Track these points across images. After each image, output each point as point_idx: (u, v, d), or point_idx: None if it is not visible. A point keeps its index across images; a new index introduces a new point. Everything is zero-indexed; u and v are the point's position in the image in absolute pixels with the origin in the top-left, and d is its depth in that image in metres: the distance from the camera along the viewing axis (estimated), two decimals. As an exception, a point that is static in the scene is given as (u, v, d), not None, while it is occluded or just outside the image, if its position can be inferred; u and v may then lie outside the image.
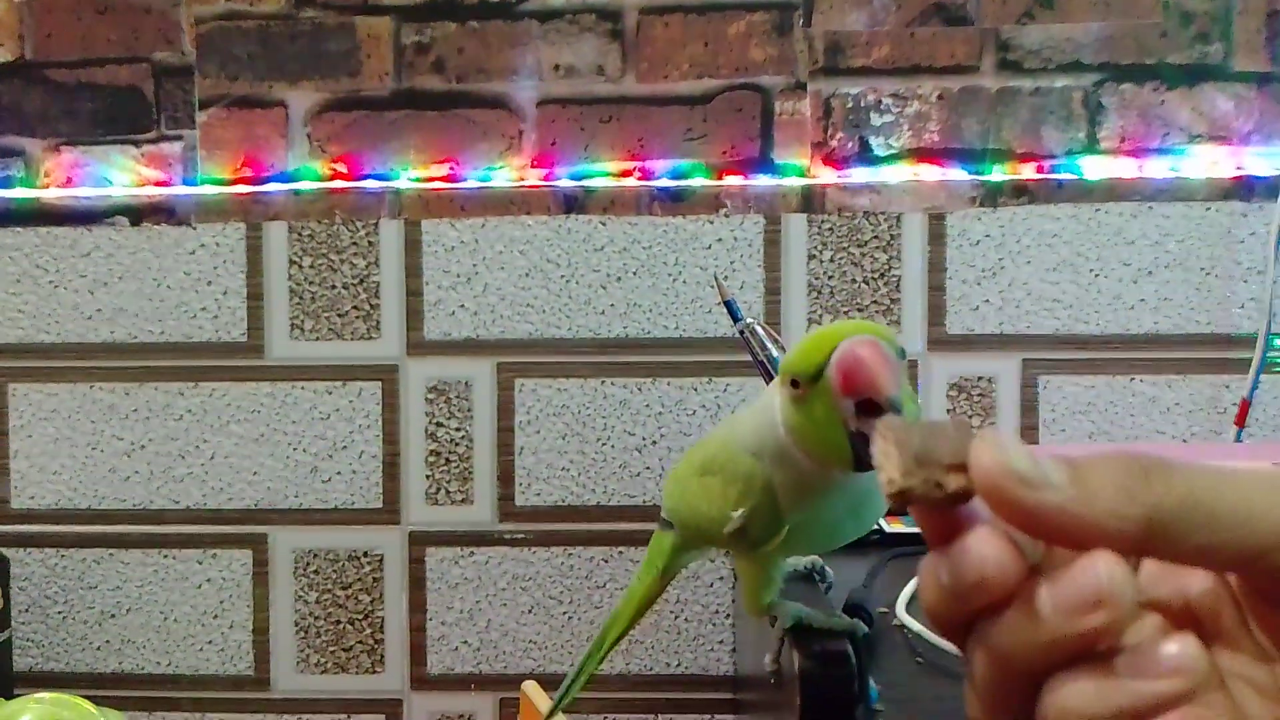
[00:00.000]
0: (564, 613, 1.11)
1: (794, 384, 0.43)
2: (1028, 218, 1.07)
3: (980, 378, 1.09)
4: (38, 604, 1.14)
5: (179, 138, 1.13)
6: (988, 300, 1.08)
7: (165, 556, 1.13)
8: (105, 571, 1.13)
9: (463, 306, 1.10)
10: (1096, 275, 1.07)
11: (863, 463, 0.43)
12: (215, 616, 1.13)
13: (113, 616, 1.13)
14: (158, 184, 1.13)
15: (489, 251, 1.10)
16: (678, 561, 0.61)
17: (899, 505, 0.27)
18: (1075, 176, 1.07)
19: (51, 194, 1.13)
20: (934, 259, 1.08)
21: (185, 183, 1.12)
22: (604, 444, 1.10)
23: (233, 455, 1.12)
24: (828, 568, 0.58)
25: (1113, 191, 1.07)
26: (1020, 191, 1.08)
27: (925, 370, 1.09)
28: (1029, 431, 1.08)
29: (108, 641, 1.13)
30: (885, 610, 0.60)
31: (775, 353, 0.91)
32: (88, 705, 0.94)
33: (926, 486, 0.26)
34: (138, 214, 1.12)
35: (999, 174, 1.08)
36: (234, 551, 1.13)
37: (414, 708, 1.12)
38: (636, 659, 1.10)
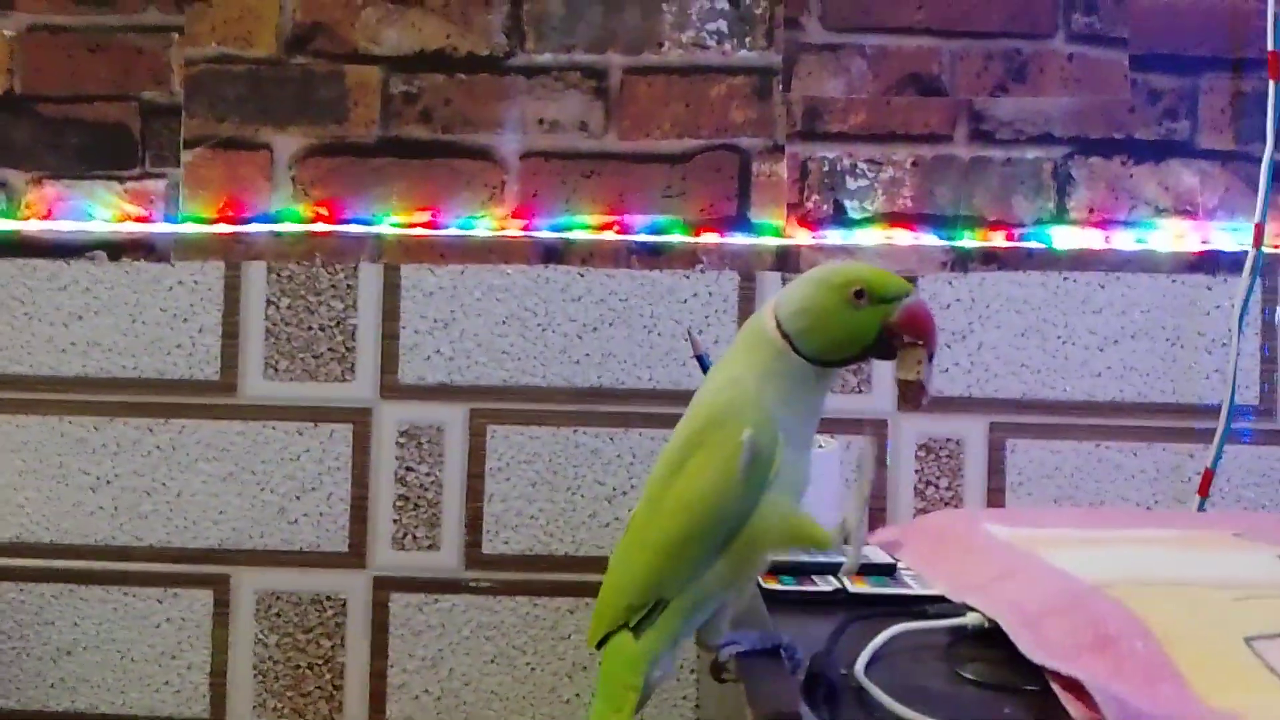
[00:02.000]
0: (527, 663, 1.10)
1: (859, 294, 0.54)
2: (997, 283, 1.10)
3: (949, 439, 1.10)
4: (-8, 639, 1.12)
5: (163, 175, 1.14)
6: (957, 363, 1.10)
7: (126, 594, 1.12)
8: (63, 607, 1.12)
9: (438, 351, 1.11)
10: (1064, 342, 1.09)
11: (882, 353, 0.57)
12: (173, 657, 1.11)
13: (68, 654, 1.12)
14: (139, 220, 1.13)
15: (467, 298, 1.11)
16: (657, 650, 0.56)
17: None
18: (1044, 245, 1.10)
19: (32, 226, 1.13)
20: (905, 321, 1.10)
21: (167, 220, 1.13)
22: (574, 493, 1.10)
23: (200, 493, 1.11)
24: (796, 648, 0.58)
25: (1080, 260, 1.09)
26: (990, 258, 1.10)
27: (895, 431, 1.10)
28: (996, 494, 1.09)
29: (62, 679, 1.12)
30: (845, 672, 0.60)
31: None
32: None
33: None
34: (118, 249, 1.13)
35: (970, 240, 1.10)
36: (195, 591, 1.11)
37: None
38: (599, 712, 1.09)
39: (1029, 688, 0.58)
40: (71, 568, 1.12)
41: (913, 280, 1.10)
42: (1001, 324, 1.10)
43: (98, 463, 1.12)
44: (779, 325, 0.57)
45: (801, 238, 1.11)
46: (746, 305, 1.10)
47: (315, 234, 1.12)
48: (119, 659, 1.11)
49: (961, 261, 1.10)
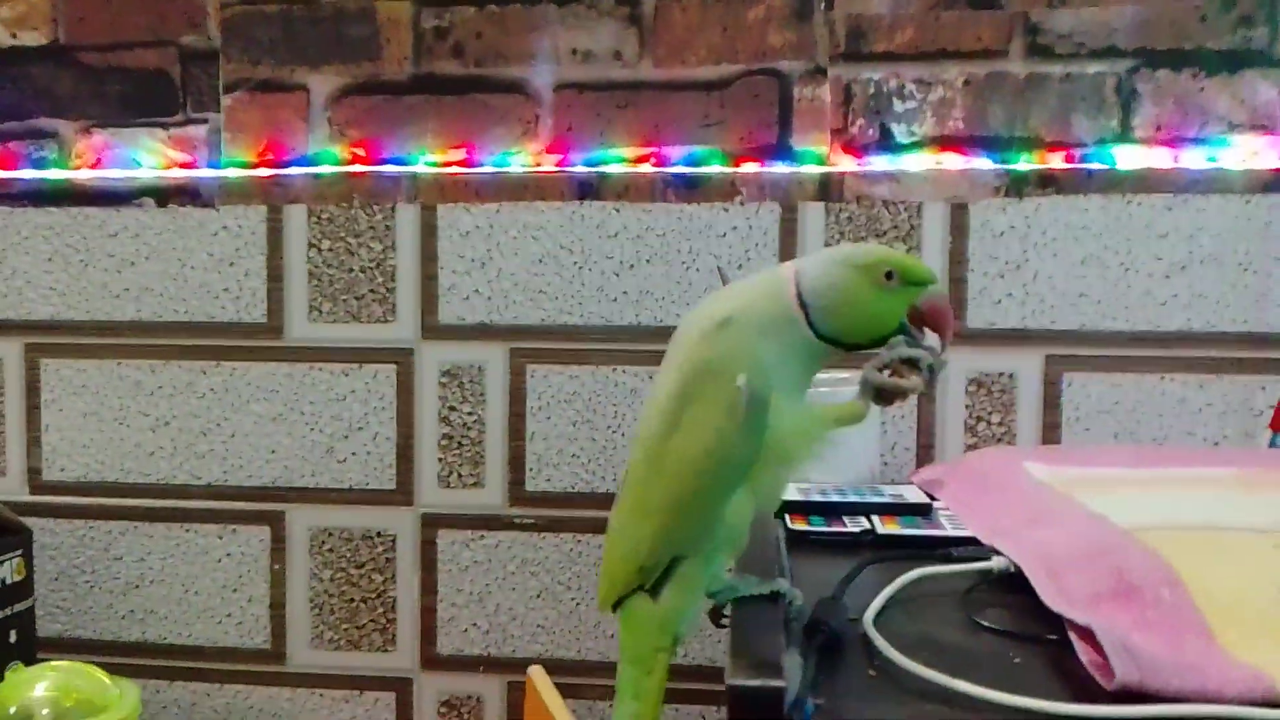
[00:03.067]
0: (572, 599, 1.11)
1: (889, 275, 0.53)
2: (1055, 209, 1.04)
3: (1001, 374, 1.06)
4: (65, 573, 1.18)
5: (204, 121, 1.15)
6: (1010, 294, 1.05)
7: (187, 531, 1.16)
8: (130, 544, 1.17)
9: (477, 292, 1.11)
10: (1126, 270, 1.03)
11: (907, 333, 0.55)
12: (234, 590, 1.16)
13: (136, 588, 1.17)
14: (183, 166, 1.15)
15: (503, 237, 1.10)
16: (683, 607, 0.55)
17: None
18: (1106, 166, 1.03)
19: (82, 175, 1.16)
20: (955, 250, 1.05)
21: (210, 165, 1.14)
22: (614, 431, 1.10)
23: (252, 434, 1.14)
24: (795, 591, 0.56)
25: (1145, 182, 1.03)
26: (1047, 182, 1.04)
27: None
28: (1051, 431, 1.05)
29: (131, 611, 1.17)
30: (855, 619, 0.59)
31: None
32: (102, 675, 0.98)
33: None
34: (164, 195, 1.14)
35: (1025, 163, 1.04)
36: (252, 528, 1.15)
37: (423, 687, 1.14)
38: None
39: (1048, 636, 0.56)
40: (136, 505, 1.16)
41: (963, 208, 1.05)
42: (1059, 252, 1.04)
43: (155, 405, 1.15)
44: (799, 296, 0.54)
45: (846, 165, 1.07)
46: (788, 239, 1.07)
47: (352, 175, 1.12)
48: (183, 593, 1.16)
49: (1016, 186, 1.04)
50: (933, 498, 0.85)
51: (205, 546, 1.16)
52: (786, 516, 0.80)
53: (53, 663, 0.99)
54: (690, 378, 0.54)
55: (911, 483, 0.93)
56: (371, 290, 1.12)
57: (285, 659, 1.15)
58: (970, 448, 1.06)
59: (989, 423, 1.06)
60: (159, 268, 1.15)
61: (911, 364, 0.55)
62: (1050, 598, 0.57)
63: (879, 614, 0.59)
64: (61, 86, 1.16)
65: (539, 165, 1.10)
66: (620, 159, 1.09)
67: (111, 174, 1.15)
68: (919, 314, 0.55)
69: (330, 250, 1.12)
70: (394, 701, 1.14)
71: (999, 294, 1.05)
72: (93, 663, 1.14)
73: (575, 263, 1.09)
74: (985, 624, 0.58)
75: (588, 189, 1.09)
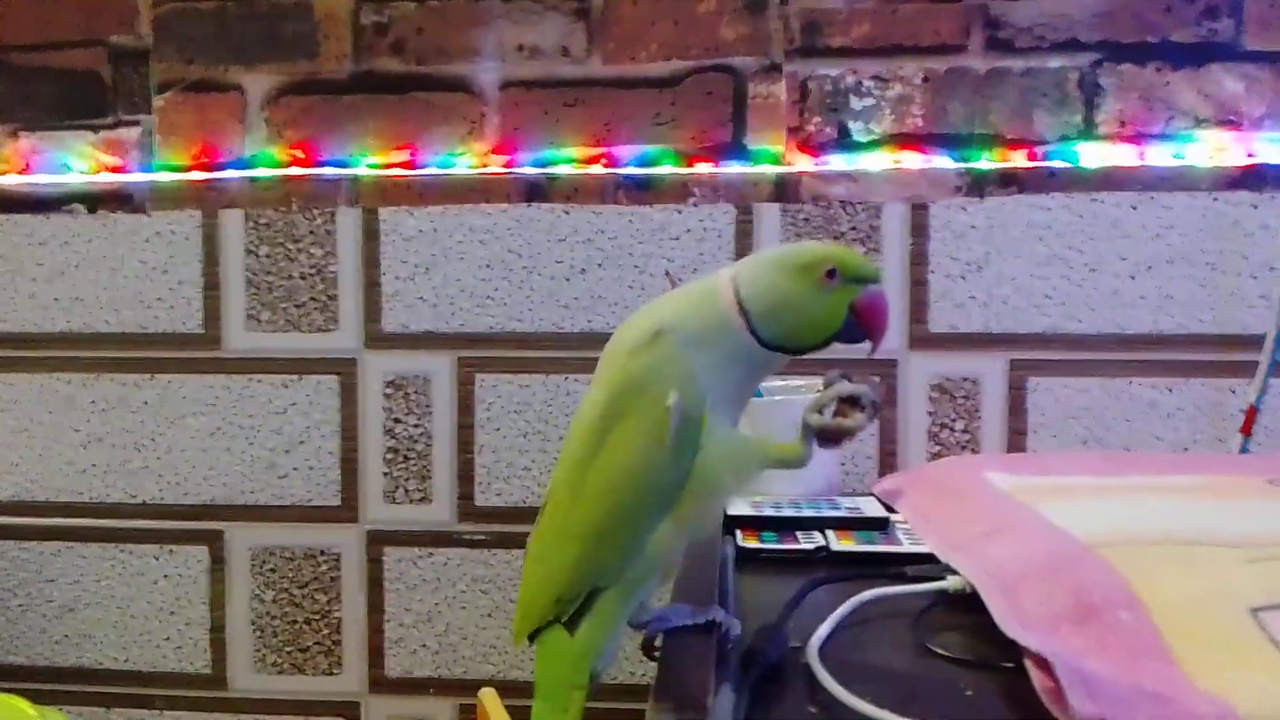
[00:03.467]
0: (524, 617, 1.07)
1: (831, 274, 0.50)
2: (1017, 208, 1.00)
3: (965, 379, 1.02)
4: (-3, 597, 1.12)
5: (136, 123, 1.10)
6: (973, 296, 1.02)
7: (123, 551, 1.11)
8: (64, 565, 1.12)
9: (421, 299, 1.06)
10: (1092, 270, 1.00)
11: (848, 338, 0.53)
12: (172, 613, 1.11)
13: (71, 610, 1.12)
14: (114, 170, 1.10)
15: (448, 241, 1.06)
16: (598, 642, 0.50)
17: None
18: (1069, 164, 1.00)
19: (9, 180, 1.11)
20: (916, 252, 1.02)
21: (142, 169, 1.10)
22: (567, 443, 1.06)
23: (189, 449, 1.09)
24: (732, 620, 0.52)
25: (1110, 180, 1.00)
26: (1009, 180, 1.01)
27: (904, 370, 1.02)
28: (1016, 437, 1.02)
29: (66, 636, 1.12)
30: (798, 645, 0.55)
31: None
32: (25, 706, 0.93)
33: None
34: (95, 201, 1.10)
35: (987, 161, 1.01)
36: (190, 548, 1.10)
37: (372, 711, 1.09)
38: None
39: (1004, 664, 0.52)
40: (69, 525, 1.11)
41: (923, 208, 1.01)
42: (1022, 253, 1.01)
43: (86, 420, 1.10)
44: (739, 303, 0.51)
45: (802, 164, 1.03)
46: (744, 241, 1.03)
47: (291, 178, 1.07)
48: (120, 615, 1.11)
49: (978, 185, 1.01)
50: (892, 510, 0.82)
51: (141, 568, 1.11)
52: (738, 533, 0.76)
53: (-29, 695, 0.94)
54: (617, 395, 0.50)
55: (872, 494, 0.89)
56: (312, 298, 1.08)
57: (227, 684, 1.10)
58: (934, 456, 1.03)
59: (952, 430, 1.02)
60: (90, 276, 1.10)
61: (853, 401, 0.51)
62: (1005, 620, 0.54)
63: (825, 641, 0.55)
64: (-14, 88, 1.11)
65: (485, 166, 1.06)
66: (569, 159, 1.05)
67: (40, 179, 1.10)
68: (855, 312, 0.52)
69: (268, 256, 1.08)
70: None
71: (961, 296, 1.02)
72: (27, 690, 1.08)
73: (524, 267, 1.05)
74: (938, 650, 0.54)
75: (536, 191, 1.05)
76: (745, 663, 0.50)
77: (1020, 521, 0.66)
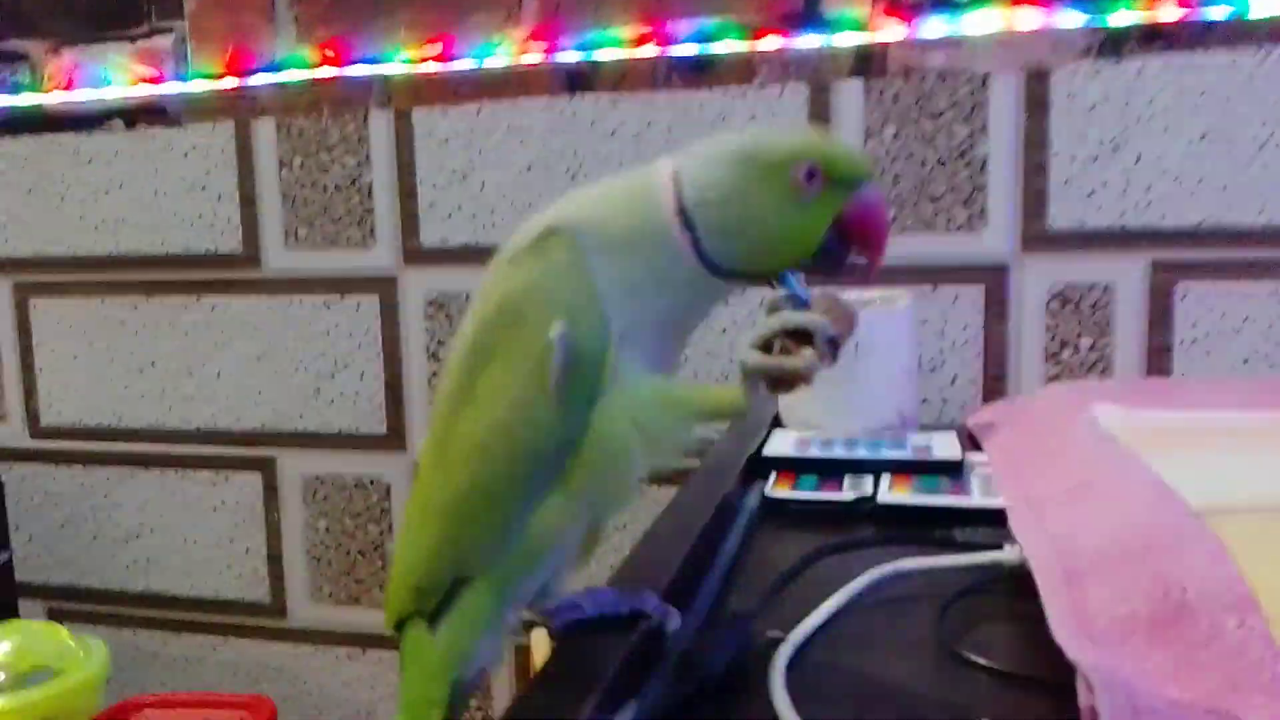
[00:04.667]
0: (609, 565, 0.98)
1: (810, 174, 0.37)
2: (1164, 72, 0.80)
3: (1093, 286, 0.84)
4: (70, 521, 1.13)
5: (169, 30, 1.03)
6: (1106, 184, 0.82)
7: (181, 478, 1.08)
8: (128, 491, 1.10)
9: (460, 208, 0.96)
10: (1261, 147, 0.79)
11: (828, 264, 0.38)
12: (231, 541, 1.08)
13: (138, 536, 1.11)
14: (150, 81, 1.04)
15: (485, 143, 0.94)
16: (463, 648, 0.39)
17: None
18: (1234, 11, 0.78)
19: (53, 99, 1.07)
20: (1033, 132, 0.83)
21: (177, 78, 1.03)
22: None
23: (237, 373, 1.05)
24: (668, 610, 0.40)
25: (1291, 27, 0.77)
26: (1154, 36, 0.80)
27: (1017, 278, 0.85)
28: (1159, 356, 0.83)
29: (135, 561, 1.11)
30: (780, 636, 0.43)
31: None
32: (66, 636, 0.92)
33: None
34: (131, 116, 1.05)
35: (1124, 13, 0.81)
36: (245, 475, 1.06)
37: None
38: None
39: (1059, 681, 0.38)
40: (130, 451, 1.10)
41: (1042, 77, 0.82)
42: (1170, 126, 0.80)
43: (140, 344, 1.07)
44: (682, 209, 0.37)
45: (890, 31, 0.85)
46: (820, 126, 0.87)
47: (320, 81, 0.98)
48: (182, 543, 1.09)
49: (1113, 44, 0.81)
50: (980, 448, 0.67)
51: (200, 495, 1.08)
52: (772, 476, 0.63)
53: (17, 622, 0.94)
54: (488, 323, 0.37)
55: (961, 428, 0.74)
56: (348, 211, 0.99)
57: (286, 614, 1.07)
58: (1053, 380, 0.85)
59: (1076, 348, 0.84)
60: (132, 195, 1.05)
61: (802, 335, 0.37)
62: (1058, 619, 0.39)
63: (815, 637, 0.42)
64: (27, 4, 1.07)
65: (525, 55, 0.93)
66: (616, 41, 0.91)
67: (80, 96, 1.06)
68: (843, 225, 0.38)
69: (302, 168, 1.00)
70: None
71: (1091, 185, 0.82)
72: (101, 613, 1.09)
73: (567, 169, 0.93)
74: (966, 655, 0.40)
75: (578, 80, 0.92)
76: (680, 671, 0.37)
77: (1116, 478, 0.50)
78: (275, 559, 1.07)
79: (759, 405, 0.38)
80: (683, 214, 0.37)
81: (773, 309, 0.38)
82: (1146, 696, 0.33)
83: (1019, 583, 0.45)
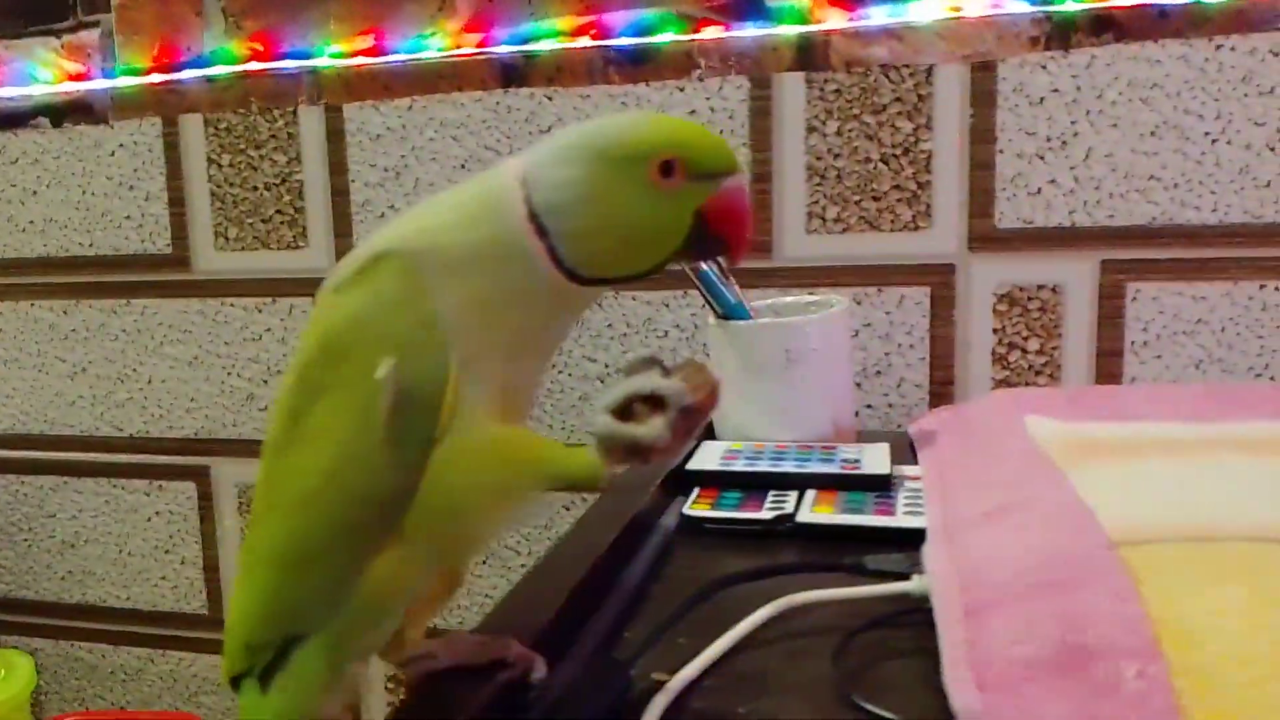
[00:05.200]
0: (521, 564, 0.95)
1: (667, 168, 0.34)
2: (1115, 62, 0.77)
3: (1041, 286, 0.81)
4: (4, 530, 1.09)
5: (96, 24, 1.00)
6: (1054, 180, 0.79)
7: (115, 487, 1.05)
8: (62, 500, 1.07)
9: (393, 207, 0.93)
10: (1214, 141, 0.76)
11: (695, 253, 0.37)
12: (166, 551, 1.05)
13: (73, 546, 1.08)
14: (77, 78, 1.00)
15: (419, 139, 0.91)
16: (296, 712, 0.36)
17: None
18: (1188, 0, 0.75)
19: (-23, 95, 1.03)
20: (979, 126, 0.80)
21: (105, 75, 1.00)
22: (557, 370, 0.91)
23: (169, 379, 1.01)
24: (534, 661, 0.37)
25: (1243, 19, 0.74)
26: (1104, 25, 0.77)
27: (964, 278, 0.82)
28: (1109, 360, 0.80)
29: (70, 572, 1.08)
30: (664, 679, 0.40)
31: (715, 273, 0.69)
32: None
33: None
34: (58, 113, 1.01)
35: (1073, 2, 0.78)
36: (179, 483, 1.03)
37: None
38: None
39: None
40: (64, 460, 1.06)
41: (989, 68, 0.79)
42: (1120, 120, 0.77)
43: (70, 349, 1.04)
44: (532, 215, 0.34)
45: (833, 21, 0.82)
46: (760, 121, 0.84)
47: (250, 74, 0.95)
48: (117, 553, 1.06)
49: (1061, 33, 0.78)
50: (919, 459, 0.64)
51: (134, 504, 1.05)
52: (695, 493, 0.60)
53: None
54: (311, 360, 0.34)
55: (905, 436, 0.71)
56: (279, 211, 0.96)
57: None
58: (1002, 384, 0.82)
59: (1024, 350, 0.81)
60: (61, 196, 1.02)
61: (656, 401, 0.34)
62: (951, 660, 0.36)
63: (700, 681, 0.39)
64: (-54, -5, 1.03)
65: (458, 48, 0.90)
66: (553, 33, 0.88)
67: (7, 93, 1.02)
68: (705, 218, 0.35)
69: (231, 166, 0.96)
70: None
71: (1038, 181, 0.80)
72: (36, 625, 1.06)
73: (503, 167, 0.89)
74: (860, 703, 0.37)
75: (513, 74, 0.88)
76: (542, 723, 0.35)
77: (1036, 501, 0.47)
78: (212, 569, 1.03)
79: (612, 475, 0.35)
80: (534, 219, 0.34)
81: (630, 370, 0.35)
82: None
83: (928, 616, 0.42)
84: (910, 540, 0.51)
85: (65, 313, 1.04)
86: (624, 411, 0.34)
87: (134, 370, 1.02)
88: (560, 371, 0.91)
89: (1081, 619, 0.35)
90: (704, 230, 0.35)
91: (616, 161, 0.34)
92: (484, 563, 0.95)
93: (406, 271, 0.33)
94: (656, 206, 0.34)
